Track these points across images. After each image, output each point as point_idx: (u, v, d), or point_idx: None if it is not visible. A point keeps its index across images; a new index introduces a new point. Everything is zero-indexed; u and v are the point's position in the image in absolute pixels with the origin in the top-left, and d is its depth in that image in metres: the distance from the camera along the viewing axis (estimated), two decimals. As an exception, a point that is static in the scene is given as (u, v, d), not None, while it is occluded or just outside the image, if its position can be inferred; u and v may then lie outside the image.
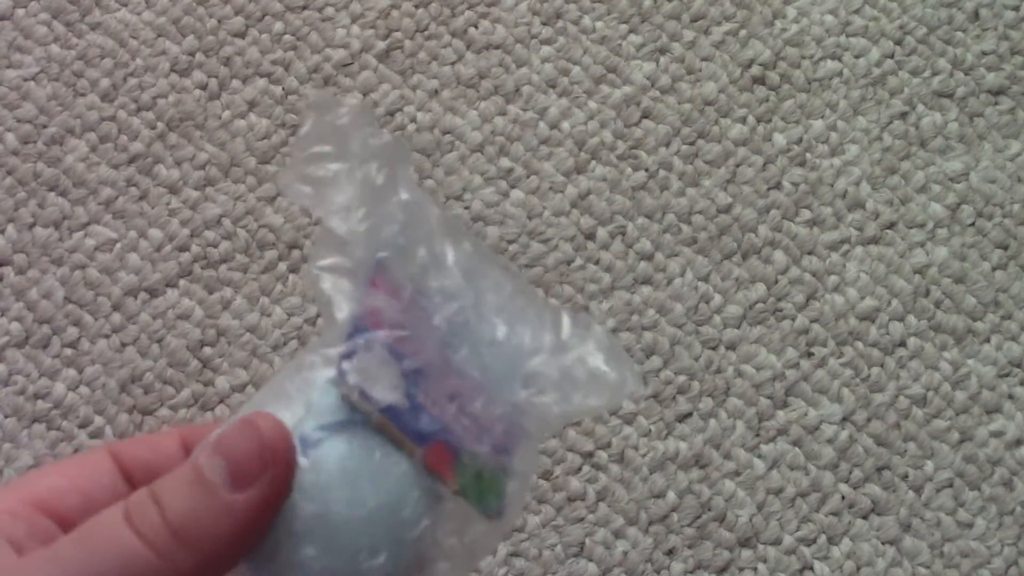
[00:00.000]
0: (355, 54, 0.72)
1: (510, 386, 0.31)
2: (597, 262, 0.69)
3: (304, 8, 0.72)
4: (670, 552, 0.65)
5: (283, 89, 0.71)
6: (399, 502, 0.30)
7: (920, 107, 0.71)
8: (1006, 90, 0.72)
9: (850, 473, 0.66)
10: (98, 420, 0.67)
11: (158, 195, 0.70)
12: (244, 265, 0.69)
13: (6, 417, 0.67)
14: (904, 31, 0.72)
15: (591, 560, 0.65)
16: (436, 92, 0.71)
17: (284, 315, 0.68)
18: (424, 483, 0.30)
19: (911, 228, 0.69)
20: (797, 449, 0.66)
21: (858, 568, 0.65)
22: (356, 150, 0.31)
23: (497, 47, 0.72)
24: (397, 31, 0.72)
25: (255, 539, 0.29)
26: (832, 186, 0.70)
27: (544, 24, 0.72)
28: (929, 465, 0.66)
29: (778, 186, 0.70)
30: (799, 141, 0.70)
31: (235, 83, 0.71)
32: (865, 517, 0.65)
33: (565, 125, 0.71)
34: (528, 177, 0.70)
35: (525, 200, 0.69)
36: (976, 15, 0.73)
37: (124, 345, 0.68)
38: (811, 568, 0.65)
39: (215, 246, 0.69)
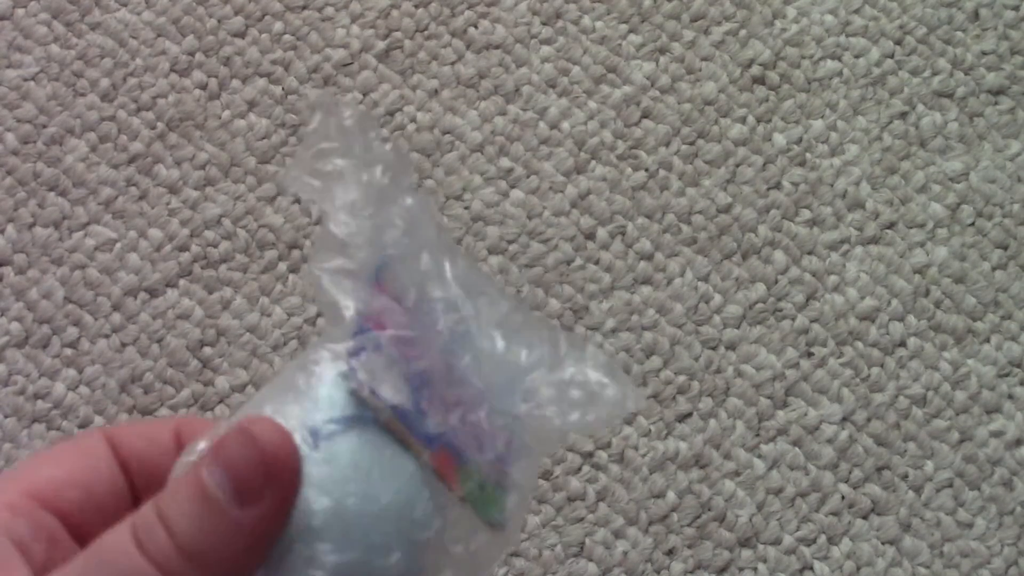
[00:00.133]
0: (355, 54, 0.72)
1: (511, 398, 0.31)
2: (597, 262, 0.69)
3: (304, 8, 0.72)
4: (670, 552, 0.65)
5: (283, 89, 0.71)
6: (410, 502, 0.29)
7: (920, 107, 0.71)
8: (1006, 90, 0.72)
9: (850, 473, 0.66)
10: (98, 420, 0.67)
11: (158, 195, 0.70)
12: (244, 265, 0.69)
13: (6, 417, 0.67)
14: (904, 31, 0.72)
15: (591, 560, 0.65)
16: (436, 92, 0.71)
17: (284, 315, 0.68)
18: (432, 486, 0.30)
19: (911, 228, 0.69)
20: (797, 449, 0.66)
21: (858, 568, 0.65)
22: (361, 152, 0.31)
23: (497, 47, 0.72)
24: (397, 31, 0.72)
25: (268, 548, 0.29)
26: (832, 186, 0.70)
27: (544, 24, 0.72)
28: (929, 465, 0.66)
29: (778, 186, 0.70)
30: (799, 141, 0.70)
31: (235, 83, 0.71)
32: (865, 517, 0.65)
33: (565, 125, 0.71)
34: (528, 177, 0.70)
35: (525, 200, 0.69)
36: (976, 15, 0.73)
37: (124, 345, 0.68)
38: (811, 568, 0.65)
39: (215, 246, 0.69)
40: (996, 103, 0.71)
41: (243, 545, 0.28)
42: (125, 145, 0.70)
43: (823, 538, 0.65)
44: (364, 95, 0.71)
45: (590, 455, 0.66)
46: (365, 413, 0.30)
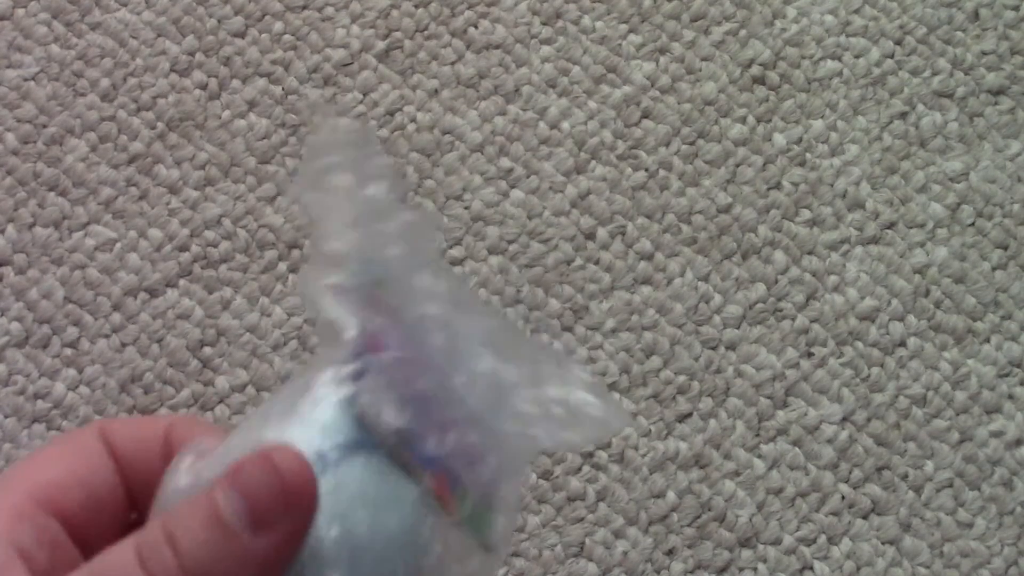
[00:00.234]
0: (355, 54, 0.72)
1: (500, 418, 0.31)
2: (597, 262, 0.69)
3: (304, 8, 0.72)
4: (670, 552, 0.65)
5: (283, 89, 0.71)
6: (415, 527, 0.29)
7: (920, 107, 0.71)
8: (1006, 90, 0.72)
9: (850, 473, 0.66)
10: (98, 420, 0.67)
11: (158, 195, 0.70)
12: (244, 265, 0.69)
13: (6, 417, 0.67)
14: (904, 31, 0.72)
15: (591, 560, 0.65)
16: (436, 92, 0.71)
17: (284, 315, 0.68)
18: (433, 510, 0.30)
19: (911, 228, 0.69)
20: (797, 449, 0.66)
21: (858, 568, 0.65)
22: (359, 168, 0.31)
23: (497, 47, 0.72)
24: (397, 31, 0.72)
25: None
26: (832, 186, 0.70)
27: (544, 24, 0.72)
28: (929, 465, 0.66)
29: (778, 186, 0.70)
30: (799, 141, 0.70)
31: (235, 83, 0.71)
32: (865, 517, 0.65)
33: (565, 125, 0.71)
34: (528, 177, 0.70)
35: (525, 200, 0.69)
36: (976, 15, 0.73)
37: (124, 345, 0.68)
38: (811, 568, 0.65)
39: (215, 246, 0.69)
40: (996, 103, 0.71)
41: (251, 573, 0.27)
42: (125, 145, 0.70)
43: (823, 538, 0.65)
44: (364, 95, 0.71)
45: (590, 455, 0.66)
46: (367, 437, 0.29)
